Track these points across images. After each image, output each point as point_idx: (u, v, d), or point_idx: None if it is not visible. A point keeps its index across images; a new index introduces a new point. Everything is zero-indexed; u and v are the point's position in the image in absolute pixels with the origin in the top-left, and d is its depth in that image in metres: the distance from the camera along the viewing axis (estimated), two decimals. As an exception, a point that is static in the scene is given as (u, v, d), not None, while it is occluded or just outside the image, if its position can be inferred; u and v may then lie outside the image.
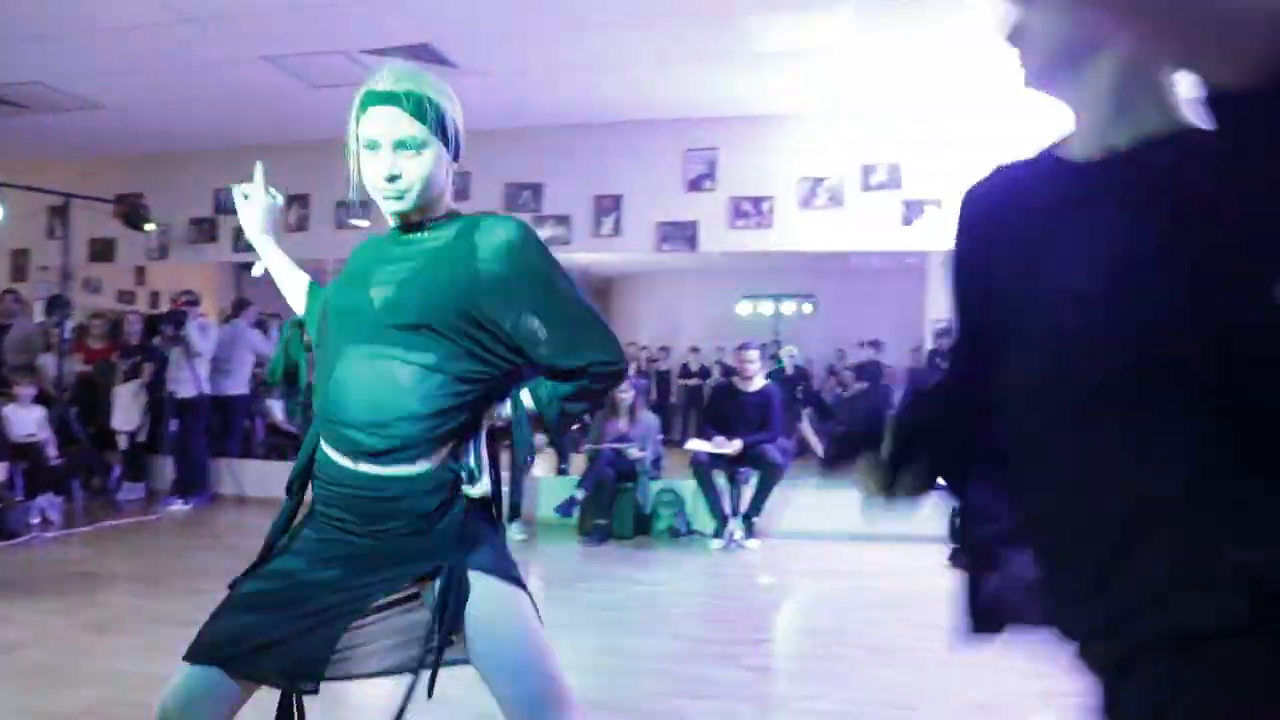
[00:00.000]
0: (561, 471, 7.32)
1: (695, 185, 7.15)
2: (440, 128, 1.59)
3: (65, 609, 4.17)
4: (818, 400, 9.22)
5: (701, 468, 6.23)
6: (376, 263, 1.66)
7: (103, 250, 8.74)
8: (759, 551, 5.99)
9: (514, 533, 6.26)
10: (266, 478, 7.48)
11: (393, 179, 1.58)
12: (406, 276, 1.60)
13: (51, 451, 6.49)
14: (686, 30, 5.48)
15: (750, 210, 7.03)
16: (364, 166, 1.61)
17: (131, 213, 6.94)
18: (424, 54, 5.92)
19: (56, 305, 7.28)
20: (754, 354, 6.54)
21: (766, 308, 11.29)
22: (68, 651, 3.58)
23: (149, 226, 7.30)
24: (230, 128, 7.55)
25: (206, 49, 5.65)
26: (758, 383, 6.46)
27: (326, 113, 7.30)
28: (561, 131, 7.45)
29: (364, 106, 1.58)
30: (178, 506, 6.96)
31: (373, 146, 1.58)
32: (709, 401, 7.08)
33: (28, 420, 6.40)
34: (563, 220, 7.48)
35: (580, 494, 6.29)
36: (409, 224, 1.67)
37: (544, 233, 7.51)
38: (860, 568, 5.49)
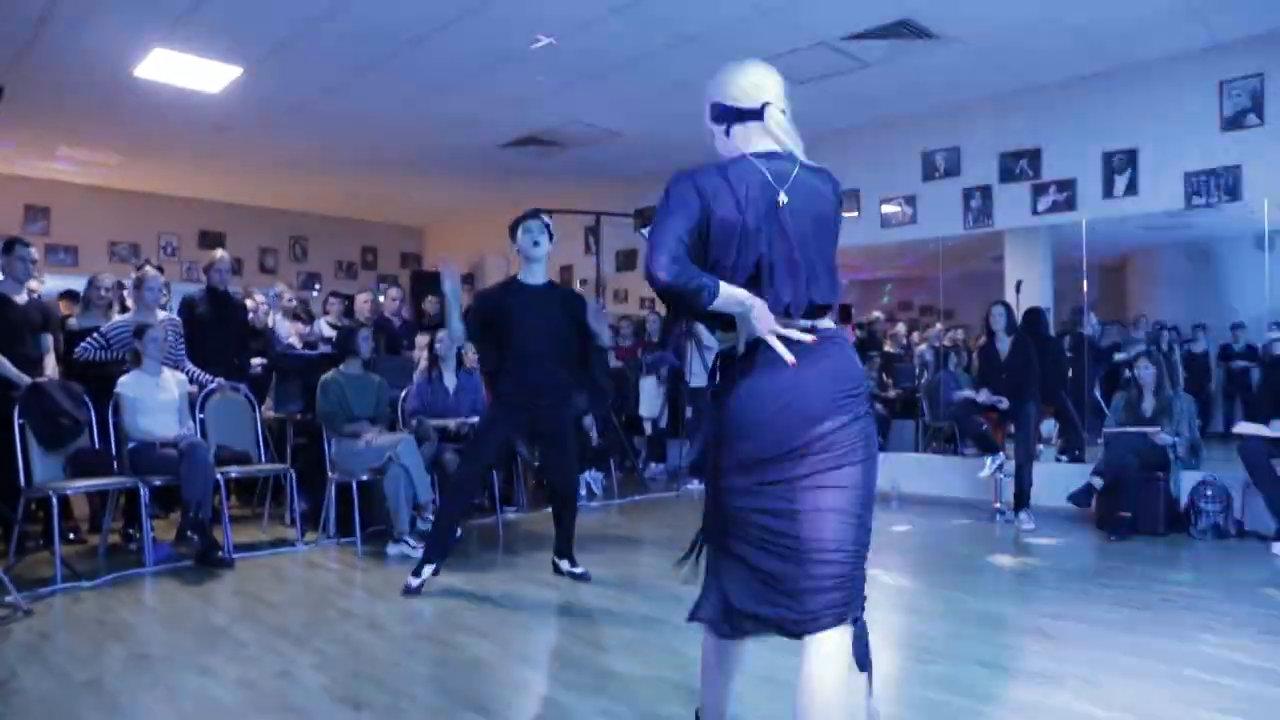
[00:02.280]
0: (1075, 458, 6.66)
1: (1235, 123, 6.04)
2: None
3: (607, 564, 4.83)
4: None
5: (1256, 456, 5.22)
6: None
7: (627, 261, 9.98)
8: (1342, 560, 4.86)
9: (1022, 521, 5.84)
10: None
11: None
12: None
13: (594, 435, 7.55)
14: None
15: (1315, 143, 5.75)
16: None
17: (648, 222, 7.78)
18: (904, 30, 5.81)
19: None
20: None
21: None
22: (622, 601, 4.13)
23: (663, 234, 8.09)
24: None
25: (692, 70, 6.14)
26: (1333, 353, 5.25)
27: (812, 106, 7.62)
28: (1056, 89, 6.80)
29: None
30: (694, 485, 7.66)
31: None
32: (1264, 379, 5.91)
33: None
34: (1066, 185, 6.82)
35: (1098, 481, 5.66)
36: None
37: (1044, 200, 6.93)
38: None
